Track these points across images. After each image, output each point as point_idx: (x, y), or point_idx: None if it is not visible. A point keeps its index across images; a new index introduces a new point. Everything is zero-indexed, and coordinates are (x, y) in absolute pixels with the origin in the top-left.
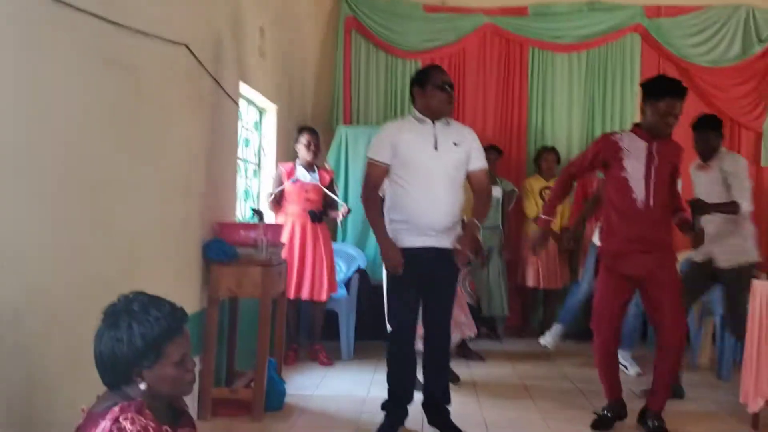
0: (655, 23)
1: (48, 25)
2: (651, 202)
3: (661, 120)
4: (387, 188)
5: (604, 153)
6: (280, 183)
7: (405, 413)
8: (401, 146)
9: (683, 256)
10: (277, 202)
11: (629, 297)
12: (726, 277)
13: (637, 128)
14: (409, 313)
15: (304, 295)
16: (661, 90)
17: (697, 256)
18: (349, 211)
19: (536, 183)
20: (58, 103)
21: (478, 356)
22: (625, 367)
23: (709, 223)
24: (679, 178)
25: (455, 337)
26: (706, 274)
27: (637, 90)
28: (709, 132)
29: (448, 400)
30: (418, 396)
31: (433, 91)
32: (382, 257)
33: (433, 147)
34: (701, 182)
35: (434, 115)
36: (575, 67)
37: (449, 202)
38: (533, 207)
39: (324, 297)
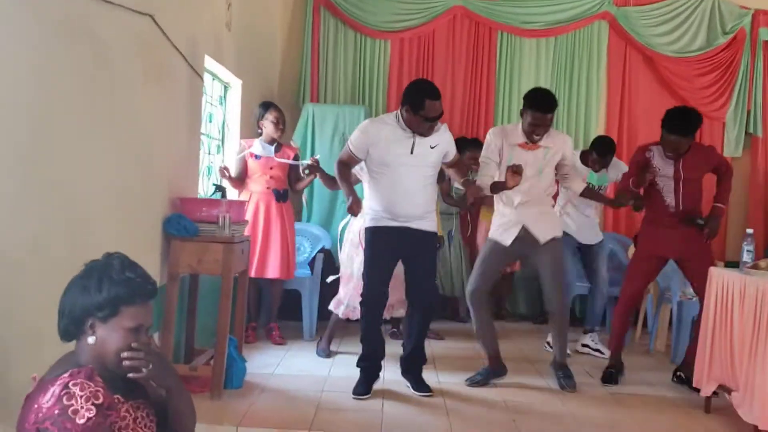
0: (623, 11)
1: None
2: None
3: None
4: (365, 175)
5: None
6: (243, 159)
7: (379, 368)
8: (376, 151)
9: None
10: (241, 179)
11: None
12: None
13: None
14: (381, 283)
15: (270, 273)
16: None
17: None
18: (317, 160)
19: None
20: (14, 72)
21: (437, 335)
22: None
23: None
24: None
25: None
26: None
27: (604, 77)
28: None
29: (424, 359)
30: None
31: (420, 122)
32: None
33: (408, 152)
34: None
35: (415, 133)
36: (543, 53)
37: (421, 195)
38: None
39: (290, 275)
